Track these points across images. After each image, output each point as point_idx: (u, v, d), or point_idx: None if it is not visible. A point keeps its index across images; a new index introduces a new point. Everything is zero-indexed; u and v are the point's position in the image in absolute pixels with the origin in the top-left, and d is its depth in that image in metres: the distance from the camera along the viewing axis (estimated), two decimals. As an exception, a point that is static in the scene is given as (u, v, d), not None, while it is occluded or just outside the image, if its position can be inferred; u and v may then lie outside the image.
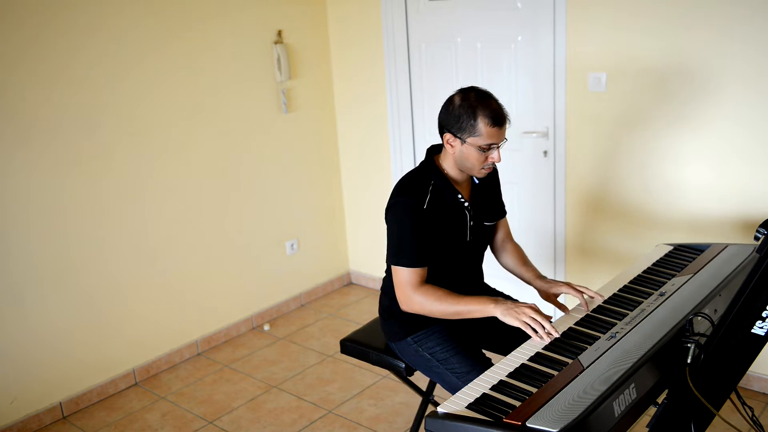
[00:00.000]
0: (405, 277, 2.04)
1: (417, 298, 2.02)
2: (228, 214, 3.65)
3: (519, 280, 2.29)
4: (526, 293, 3.52)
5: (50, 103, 2.90)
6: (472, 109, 1.97)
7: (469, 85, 2.09)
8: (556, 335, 1.83)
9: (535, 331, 1.85)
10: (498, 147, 2.02)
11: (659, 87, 2.88)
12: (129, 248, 3.24)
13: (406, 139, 3.85)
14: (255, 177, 3.75)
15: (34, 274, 2.94)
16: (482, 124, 1.97)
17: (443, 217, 2.09)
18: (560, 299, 2.18)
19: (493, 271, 3.50)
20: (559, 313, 3.49)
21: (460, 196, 2.12)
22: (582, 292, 2.04)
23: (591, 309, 1.98)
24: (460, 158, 2.05)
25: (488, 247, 2.36)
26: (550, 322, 1.87)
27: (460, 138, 2.01)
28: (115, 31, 3.07)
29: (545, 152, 3.31)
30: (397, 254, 2.05)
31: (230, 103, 3.57)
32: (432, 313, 2.03)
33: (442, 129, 2.06)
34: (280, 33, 3.72)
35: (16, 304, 2.90)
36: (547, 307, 3.42)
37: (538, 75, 3.24)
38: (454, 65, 3.54)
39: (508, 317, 1.89)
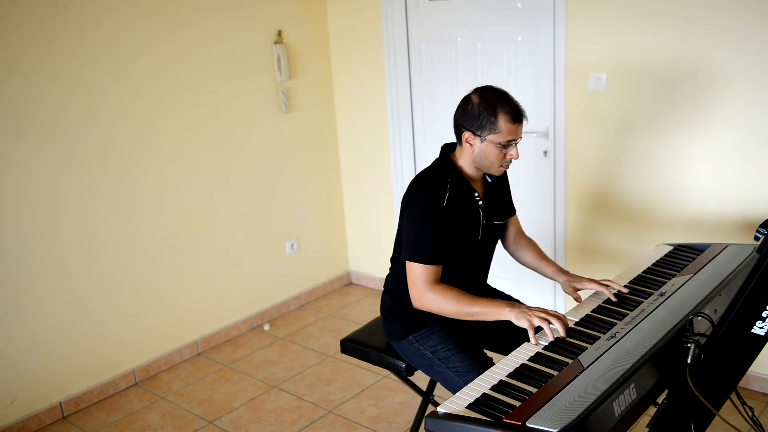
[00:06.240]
0: (421, 274, 2.04)
1: (431, 296, 2.03)
2: (228, 214, 3.65)
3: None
4: (527, 295, 3.52)
5: (48, 102, 2.90)
6: (491, 106, 2.01)
7: (486, 84, 2.12)
8: (562, 335, 1.83)
9: (538, 330, 1.85)
10: (516, 144, 2.05)
11: (660, 87, 2.88)
12: (128, 248, 3.24)
13: (406, 139, 3.85)
14: (255, 177, 3.75)
15: (33, 274, 2.93)
16: (502, 121, 2.00)
17: (459, 215, 2.10)
18: (580, 293, 2.20)
19: (497, 272, 3.50)
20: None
21: (476, 194, 2.14)
22: (607, 286, 2.06)
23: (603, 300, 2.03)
24: (479, 156, 2.07)
25: (497, 246, 2.36)
26: (563, 320, 1.87)
27: (479, 136, 2.04)
28: (114, 30, 3.07)
29: (545, 152, 3.31)
30: (415, 251, 2.05)
31: (230, 103, 3.57)
32: (445, 312, 2.03)
33: (460, 128, 2.08)
34: (280, 33, 3.72)
35: (15, 304, 2.90)
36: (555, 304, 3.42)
37: (538, 75, 3.24)
38: (454, 65, 3.54)
39: (522, 320, 1.90)
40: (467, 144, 2.08)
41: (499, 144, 2.02)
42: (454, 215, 2.08)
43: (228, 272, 3.70)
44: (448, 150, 2.19)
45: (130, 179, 3.20)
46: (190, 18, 3.34)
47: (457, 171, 2.12)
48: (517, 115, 2.02)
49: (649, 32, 2.84)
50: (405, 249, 2.10)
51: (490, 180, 2.21)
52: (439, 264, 2.06)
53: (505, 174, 2.31)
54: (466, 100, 2.07)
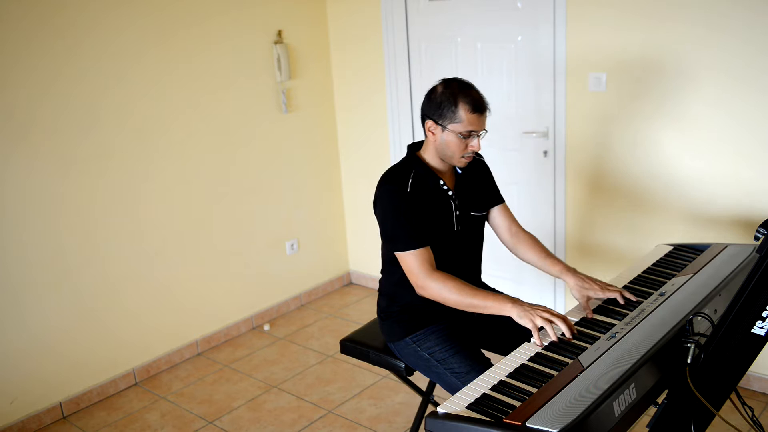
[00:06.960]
0: (411, 261, 2.04)
1: (433, 283, 2.01)
2: (228, 214, 3.65)
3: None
4: (526, 295, 3.52)
5: (48, 102, 2.90)
6: (453, 96, 2.03)
7: (456, 76, 2.14)
8: (568, 336, 1.81)
9: (540, 329, 1.84)
10: (478, 135, 2.07)
11: (659, 87, 2.88)
12: (128, 248, 3.24)
13: (406, 139, 3.85)
14: (255, 177, 3.75)
15: (33, 274, 2.93)
16: (463, 111, 2.02)
17: (428, 203, 2.11)
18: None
19: (496, 272, 3.50)
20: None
21: (442, 182, 2.15)
22: (621, 293, 2.01)
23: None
24: (441, 146, 2.09)
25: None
26: (567, 321, 1.85)
27: (441, 125, 2.06)
28: (114, 30, 3.07)
29: (545, 152, 3.31)
30: (393, 240, 2.06)
31: (230, 103, 3.57)
32: (446, 300, 2.01)
33: (424, 117, 2.11)
34: (280, 33, 3.72)
35: (15, 305, 2.90)
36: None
37: (538, 75, 3.24)
38: (454, 65, 3.54)
39: (525, 320, 1.87)
40: (430, 133, 2.10)
41: (460, 134, 2.04)
42: (422, 202, 2.09)
43: (228, 272, 3.70)
44: (414, 148, 2.22)
45: (130, 179, 3.20)
46: (190, 18, 3.34)
47: (422, 163, 2.15)
48: (478, 105, 2.03)
49: (649, 32, 2.84)
50: (386, 242, 2.11)
51: (460, 171, 2.22)
52: (423, 246, 2.05)
53: (483, 164, 2.33)
54: (431, 90, 2.10)
